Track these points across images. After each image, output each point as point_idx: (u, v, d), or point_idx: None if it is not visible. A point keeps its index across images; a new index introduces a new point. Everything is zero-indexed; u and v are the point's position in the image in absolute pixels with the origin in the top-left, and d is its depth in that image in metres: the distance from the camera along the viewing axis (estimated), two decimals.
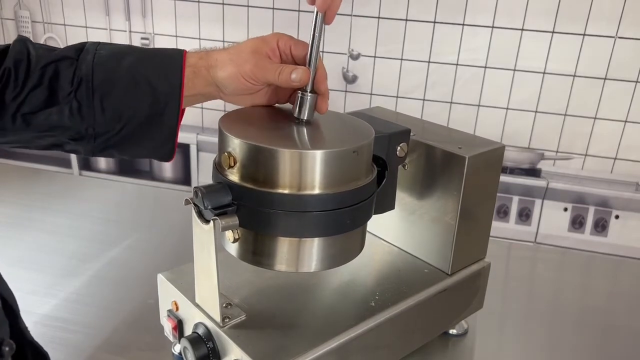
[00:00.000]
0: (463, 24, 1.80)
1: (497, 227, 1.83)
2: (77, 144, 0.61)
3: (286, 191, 0.56)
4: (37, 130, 0.59)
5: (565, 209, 1.83)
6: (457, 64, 1.86)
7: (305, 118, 0.61)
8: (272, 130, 0.61)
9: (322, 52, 1.93)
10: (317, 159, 0.55)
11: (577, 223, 1.84)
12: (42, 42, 0.67)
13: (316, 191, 0.56)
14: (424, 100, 1.93)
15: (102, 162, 2.14)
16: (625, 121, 1.76)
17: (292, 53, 0.63)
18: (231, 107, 0.65)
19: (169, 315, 0.70)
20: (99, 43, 0.61)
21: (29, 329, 0.62)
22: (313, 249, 0.60)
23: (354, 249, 0.64)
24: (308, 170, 0.55)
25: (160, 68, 0.60)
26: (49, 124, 0.59)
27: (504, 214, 1.88)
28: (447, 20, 1.81)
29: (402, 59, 1.90)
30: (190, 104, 0.63)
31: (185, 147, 2.03)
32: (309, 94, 0.61)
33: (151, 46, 1.86)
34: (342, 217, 0.58)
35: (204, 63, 0.61)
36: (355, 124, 0.65)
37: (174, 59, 0.61)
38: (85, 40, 0.62)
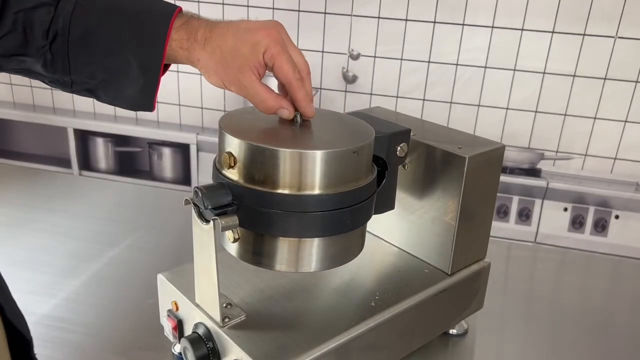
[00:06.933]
0: (463, 24, 1.80)
1: (497, 227, 1.83)
2: (55, 85, 0.60)
3: (286, 191, 0.56)
4: (13, 71, 0.58)
5: (565, 209, 1.83)
6: (457, 64, 1.86)
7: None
8: (272, 130, 0.61)
9: (322, 52, 1.93)
10: (317, 159, 0.55)
11: (577, 223, 1.84)
12: None
13: (316, 191, 0.56)
14: (424, 100, 1.93)
15: (102, 162, 2.14)
16: (625, 121, 1.76)
17: (273, 71, 0.59)
18: (231, 107, 0.65)
19: (169, 315, 0.70)
20: None
21: (29, 329, 0.62)
22: (313, 249, 0.60)
23: (354, 249, 0.64)
24: (308, 171, 0.55)
25: (143, 38, 0.57)
26: (22, 68, 0.57)
27: (504, 214, 1.88)
28: (447, 20, 1.81)
29: (402, 59, 1.90)
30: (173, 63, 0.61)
31: (185, 147, 2.03)
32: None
33: None
34: (342, 218, 0.58)
35: (186, 46, 0.58)
36: (355, 124, 0.65)
37: (158, 30, 0.57)
38: None
